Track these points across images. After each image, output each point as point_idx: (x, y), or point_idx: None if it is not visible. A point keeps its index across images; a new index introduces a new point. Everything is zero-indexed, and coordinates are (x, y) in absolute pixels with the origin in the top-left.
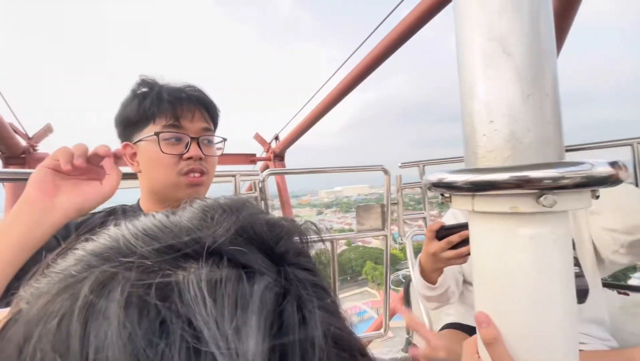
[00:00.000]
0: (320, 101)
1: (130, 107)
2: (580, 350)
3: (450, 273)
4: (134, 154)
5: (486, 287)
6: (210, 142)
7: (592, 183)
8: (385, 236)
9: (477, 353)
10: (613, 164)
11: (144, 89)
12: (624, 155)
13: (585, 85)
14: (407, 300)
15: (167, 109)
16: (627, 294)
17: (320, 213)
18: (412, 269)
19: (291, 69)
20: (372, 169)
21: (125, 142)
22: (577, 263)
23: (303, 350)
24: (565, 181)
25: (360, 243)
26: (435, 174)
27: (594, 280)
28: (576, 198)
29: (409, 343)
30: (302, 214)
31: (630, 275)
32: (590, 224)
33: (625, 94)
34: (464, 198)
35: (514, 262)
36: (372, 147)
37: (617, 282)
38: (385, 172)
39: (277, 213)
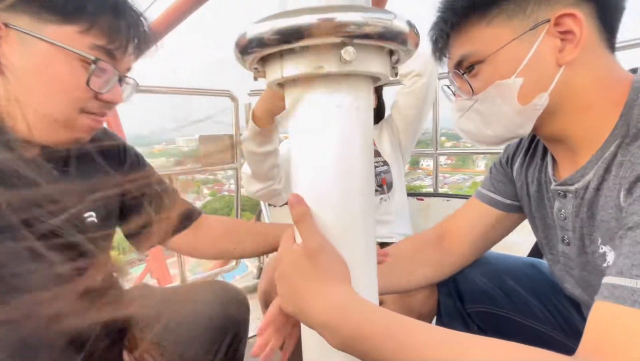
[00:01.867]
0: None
1: None
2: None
3: (283, 163)
4: None
5: (300, 165)
6: (129, 85)
7: (389, 36)
8: (235, 169)
9: (294, 240)
10: (411, 25)
11: None
12: None
13: None
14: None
15: (119, 31)
16: (422, 200)
17: (179, 164)
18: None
19: None
20: (218, 94)
21: None
22: (385, 163)
23: None
24: (368, 29)
25: (226, 193)
26: (242, 34)
27: (400, 187)
28: (377, 60)
29: (260, 270)
30: (156, 166)
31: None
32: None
33: None
34: (274, 66)
35: (321, 134)
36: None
37: (417, 192)
38: (233, 99)
39: None
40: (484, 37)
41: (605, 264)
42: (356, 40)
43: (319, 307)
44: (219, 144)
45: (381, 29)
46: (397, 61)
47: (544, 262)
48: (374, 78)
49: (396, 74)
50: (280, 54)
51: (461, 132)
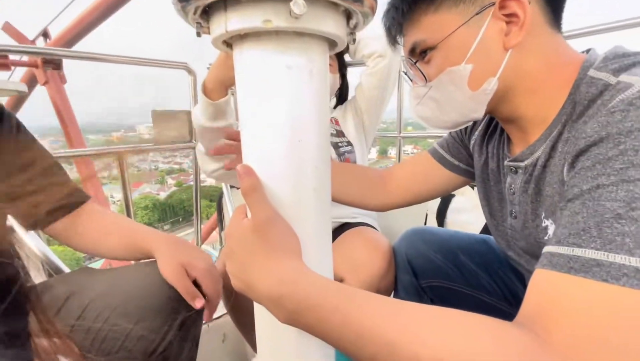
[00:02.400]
0: None
1: None
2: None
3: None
4: None
5: (249, 133)
6: None
7: None
8: (193, 148)
9: (245, 214)
10: None
11: None
12: None
13: None
14: (219, 212)
15: None
16: None
17: (139, 152)
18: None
19: None
20: (174, 66)
21: None
22: (349, 143)
23: None
24: None
25: (192, 183)
26: None
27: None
28: (331, 19)
29: None
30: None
31: None
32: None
33: None
34: (218, 19)
35: (271, 98)
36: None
37: None
38: (190, 72)
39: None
40: (432, 24)
41: (546, 237)
42: None
43: (266, 282)
44: (176, 121)
45: None
46: (356, 26)
47: (493, 238)
48: (330, 42)
49: (354, 41)
50: (224, 5)
51: (419, 118)
